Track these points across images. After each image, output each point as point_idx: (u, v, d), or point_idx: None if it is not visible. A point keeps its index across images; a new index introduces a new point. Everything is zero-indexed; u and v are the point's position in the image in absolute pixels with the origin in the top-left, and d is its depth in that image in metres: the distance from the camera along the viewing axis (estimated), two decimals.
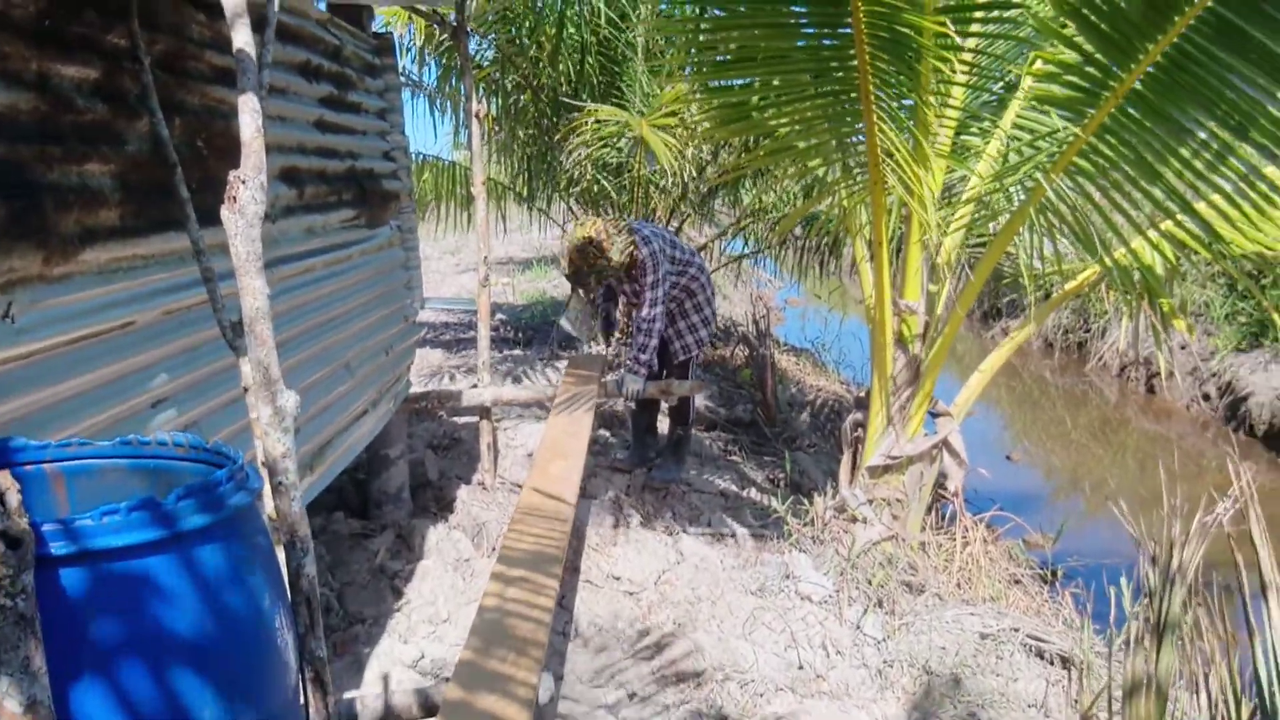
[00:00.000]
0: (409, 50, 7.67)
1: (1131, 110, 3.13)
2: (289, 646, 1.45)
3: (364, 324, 3.57)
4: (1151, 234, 3.58)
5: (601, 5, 6.49)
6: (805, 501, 4.36)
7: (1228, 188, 3.16)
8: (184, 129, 2.27)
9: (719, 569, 3.93)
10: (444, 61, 7.50)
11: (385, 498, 4.22)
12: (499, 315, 9.03)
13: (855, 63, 3.19)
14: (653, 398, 4.84)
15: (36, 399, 1.76)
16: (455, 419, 5.54)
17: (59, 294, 1.82)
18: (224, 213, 1.44)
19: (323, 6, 3.75)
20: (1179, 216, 3.32)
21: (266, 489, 1.58)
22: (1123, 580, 3.49)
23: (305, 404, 2.58)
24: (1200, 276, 8.73)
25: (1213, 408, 8.38)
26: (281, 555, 1.55)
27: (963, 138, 4.16)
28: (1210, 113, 2.96)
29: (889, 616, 3.54)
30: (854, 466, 4.25)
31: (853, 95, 3.37)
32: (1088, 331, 10.51)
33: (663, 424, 5.32)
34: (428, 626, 3.38)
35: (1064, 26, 3.32)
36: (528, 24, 6.74)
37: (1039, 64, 3.81)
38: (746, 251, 8.84)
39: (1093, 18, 2.98)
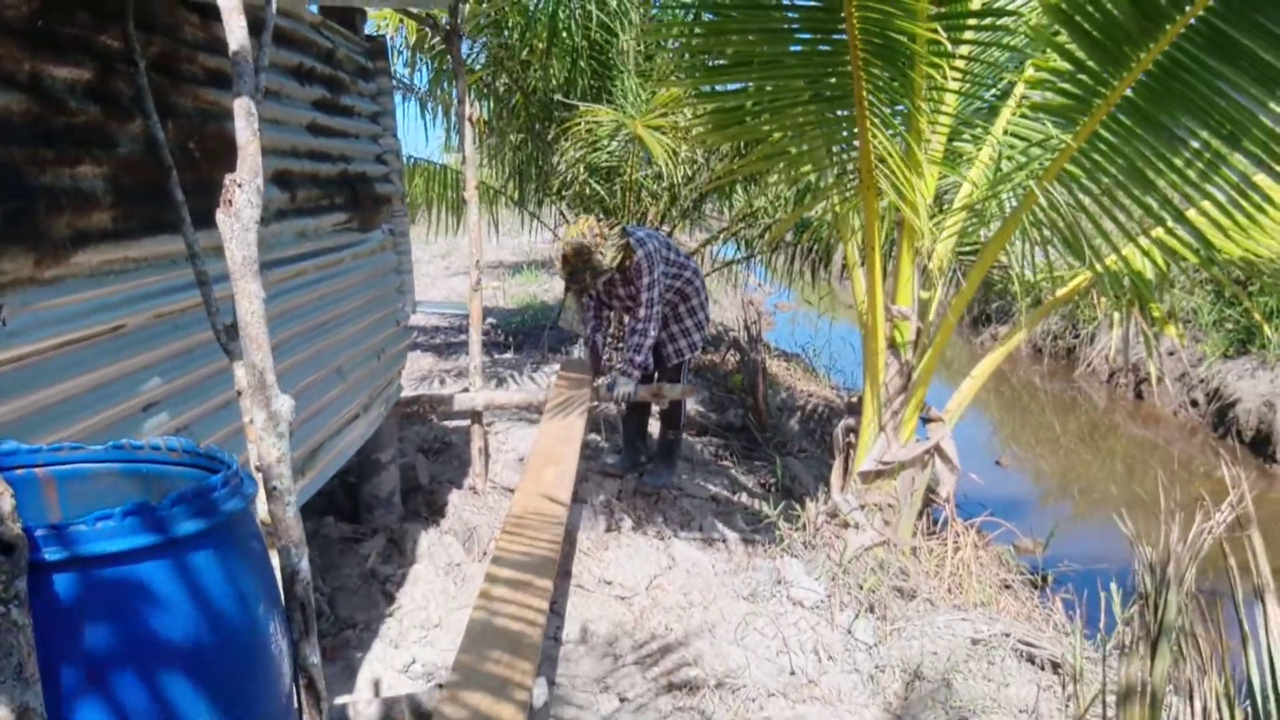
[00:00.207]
0: (400, 53, 7.67)
1: (1123, 118, 3.14)
2: (283, 653, 1.44)
3: (356, 328, 3.56)
4: (1142, 241, 3.59)
5: (594, 9, 6.49)
6: (797, 507, 4.36)
7: (1219, 196, 3.17)
8: (177, 131, 2.26)
9: (711, 574, 3.92)
10: (435, 64, 7.50)
11: (376, 502, 4.20)
12: (489, 319, 9.02)
13: (849, 69, 3.20)
14: (644, 401, 4.84)
15: (28, 402, 1.74)
16: (446, 423, 5.52)
17: (50, 297, 1.81)
18: (219, 216, 1.43)
19: (315, 9, 3.74)
20: (1170, 224, 3.33)
21: (261, 494, 1.57)
22: (1113, 585, 3.50)
23: (298, 408, 2.57)
24: (1188, 283, 8.77)
25: (1200, 413, 8.42)
26: (276, 560, 1.54)
27: (955, 144, 4.17)
28: (1202, 121, 2.97)
29: (881, 622, 3.55)
30: (846, 472, 4.26)
31: (846, 101, 3.38)
32: (1076, 337, 10.55)
33: (653, 427, 5.32)
34: (419, 631, 3.37)
35: (1056, 34, 3.34)
36: (519, 28, 6.74)
37: (1031, 71, 3.83)
38: (738, 257, 8.85)
39: (1085, 25, 3.00)
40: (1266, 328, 7.24)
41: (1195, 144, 3.05)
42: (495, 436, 5.37)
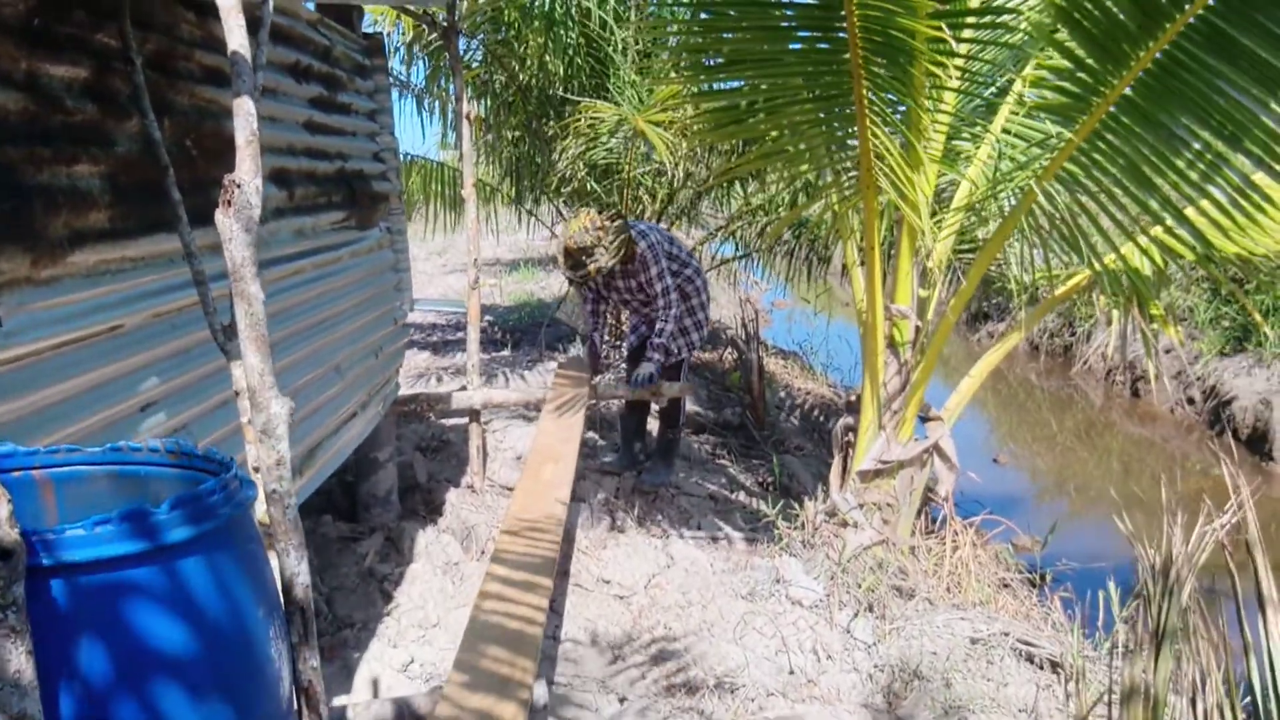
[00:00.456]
0: (397, 49, 7.63)
1: (1123, 116, 3.14)
2: (281, 657, 1.43)
3: (354, 326, 3.55)
4: (1141, 239, 3.59)
5: (593, 6, 6.47)
6: (795, 505, 4.35)
7: (1219, 195, 3.17)
8: (173, 129, 2.24)
9: (709, 573, 3.92)
10: (432, 61, 7.47)
11: (374, 500, 4.19)
12: (486, 317, 9.00)
13: (848, 66, 3.19)
14: (643, 399, 4.83)
15: (25, 403, 1.73)
16: (444, 421, 5.51)
17: (47, 297, 1.80)
18: (218, 217, 1.42)
19: (312, 7, 3.73)
20: (1169, 223, 3.33)
21: (260, 496, 1.56)
22: (1111, 584, 3.51)
23: (296, 406, 2.56)
24: (1185, 281, 8.78)
25: (1197, 411, 8.43)
26: (275, 563, 1.53)
27: (954, 142, 4.16)
28: (1202, 121, 2.97)
29: (879, 621, 3.54)
30: (844, 471, 4.25)
31: (845, 99, 3.37)
32: (1073, 335, 10.56)
33: (652, 425, 5.31)
34: (417, 631, 3.36)
35: (1055, 31, 3.33)
36: (516, 25, 6.71)
37: (1030, 69, 3.82)
38: (736, 254, 8.84)
39: (1085, 22, 2.99)
40: (1264, 325, 7.25)
41: (1195, 144, 3.04)
42: (493, 435, 5.36)
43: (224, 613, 1.31)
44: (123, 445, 1.53)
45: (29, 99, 1.77)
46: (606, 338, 6.28)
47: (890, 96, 3.35)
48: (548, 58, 6.79)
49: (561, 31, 6.63)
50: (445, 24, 4.36)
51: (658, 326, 4.51)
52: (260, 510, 1.62)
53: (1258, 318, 6.05)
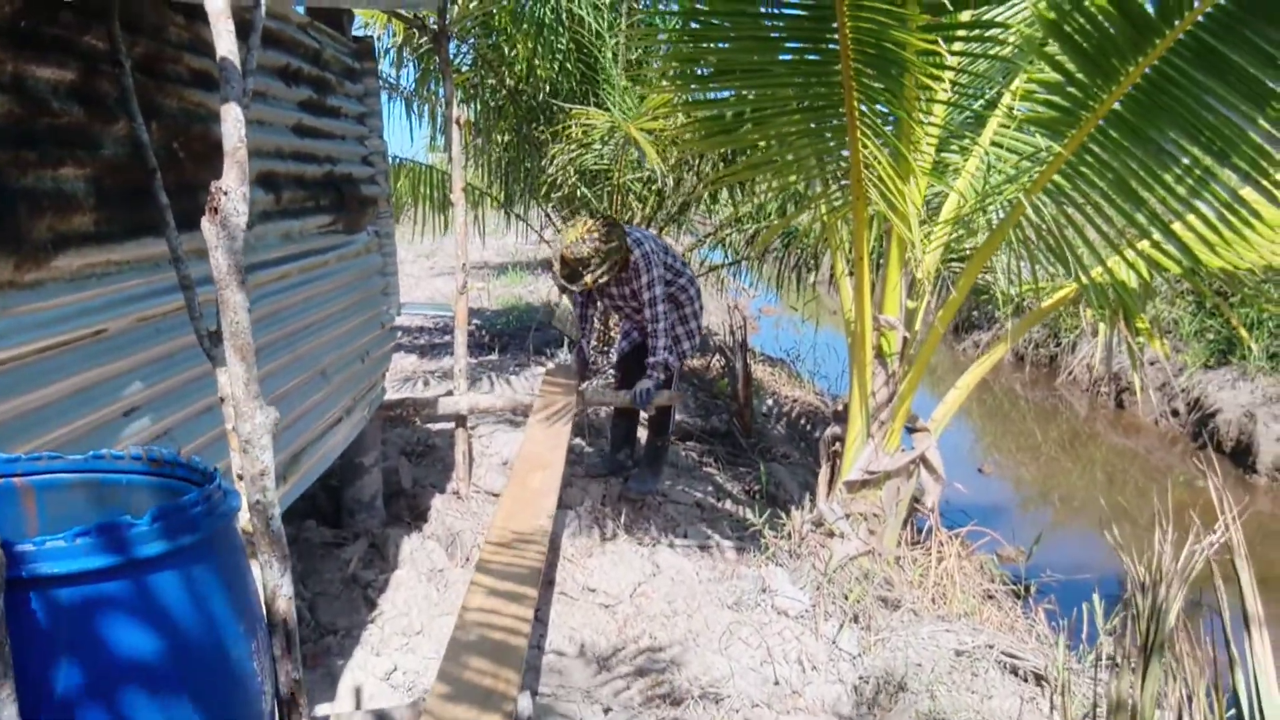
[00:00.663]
0: (387, 52, 7.61)
1: (1112, 131, 3.15)
2: (263, 670, 1.41)
3: (340, 330, 3.52)
4: (1128, 253, 3.61)
5: (584, 13, 6.47)
6: (782, 514, 4.35)
7: (1206, 210, 3.18)
8: (161, 133, 2.22)
9: (695, 582, 3.91)
10: (422, 64, 7.45)
11: (358, 506, 4.17)
12: (474, 321, 8.97)
13: (839, 78, 3.19)
14: (632, 407, 4.82)
15: (7, 408, 1.71)
16: (430, 425, 5.49)
17: (30, 301, 1.78)
18: (205, 224, 1.40)
19: (302, 10, 3.70)
20: (1156, 236, 3.34)
21: (243, 505, 1.55)
22: (1095, 596, 3.51)
23: (280, 412, 2.54)
24: (1169, 294, 8.84)
25: (1181, 423, 8.48)
26: (258, 573, 1.51)
27: (942, 155, 4.17)
28: (1190, 135, 2.98)
29: (865, 632, 3.54)
30: (831, 480, 4.25)
31: (836, 110, 3.37)
32: (1058, 346, 10.60)
33: (641, 434, 5.30)
34: (401, 638, 3.33)
35: (1045, 45, 3.35)
36: (507, 30, 6.71)
37: (1020, 83, 3.84)
38: (725, 261, 8.84)
39: (1076, 37, 3.00)
40: (1249, 339, 7.29)
41: (1184, 159, 3.06)
42: (479, 440, 5.34)
43: (200, 626, 1.29)
44: (105, 453, 1.51)
45: (15, 101, 1.75)
46: (594, 343, 6.26)
47: (881, 108, 3.35)
48: (538, 63, 6.78)
49: (552, 37, 6.62)
50: (436, 28, 4.34)
51: (651, 344, 4.49)
52: (244, 519, 1.61)
53: (1242, 331, 6.10)
